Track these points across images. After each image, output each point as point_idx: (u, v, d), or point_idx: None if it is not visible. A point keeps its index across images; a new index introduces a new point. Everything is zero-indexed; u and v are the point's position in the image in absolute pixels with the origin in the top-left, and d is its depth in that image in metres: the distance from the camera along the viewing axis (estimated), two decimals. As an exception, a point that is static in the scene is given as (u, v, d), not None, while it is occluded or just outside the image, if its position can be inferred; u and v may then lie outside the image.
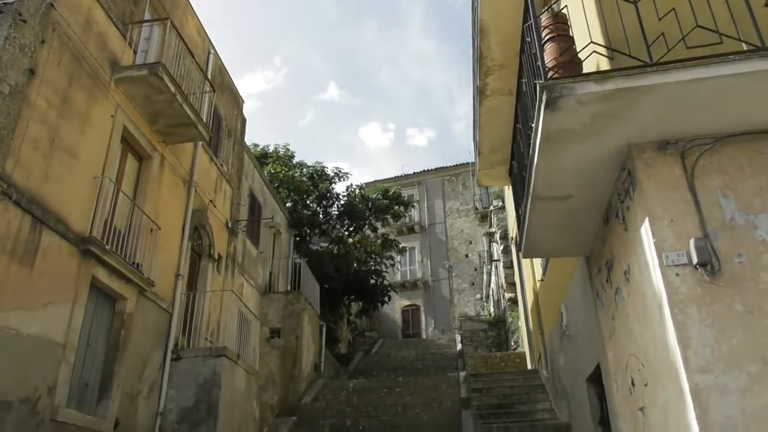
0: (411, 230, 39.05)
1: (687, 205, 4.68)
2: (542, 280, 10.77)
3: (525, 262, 12.95)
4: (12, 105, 7.70)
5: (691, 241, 4.51)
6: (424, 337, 35.60)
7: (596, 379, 7.46)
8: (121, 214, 10.29)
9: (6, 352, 7.21)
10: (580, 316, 7.86)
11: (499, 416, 10.60)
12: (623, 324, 5.80)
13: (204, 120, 12.74)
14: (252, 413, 12.18)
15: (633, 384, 5.62)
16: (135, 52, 10.85)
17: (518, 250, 7.84)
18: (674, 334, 4.34)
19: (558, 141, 4.96)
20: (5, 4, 7.91)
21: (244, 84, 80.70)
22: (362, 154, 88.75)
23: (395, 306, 37.88)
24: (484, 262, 32.38)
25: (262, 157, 22.98)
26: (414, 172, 41.17)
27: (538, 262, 11.33)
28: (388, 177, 40.41)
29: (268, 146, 24.96)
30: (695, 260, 4.44)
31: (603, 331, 6.67)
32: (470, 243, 38.52)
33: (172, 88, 10.53)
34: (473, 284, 37.53)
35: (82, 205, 9.00)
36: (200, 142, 13.05)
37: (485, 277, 30.65)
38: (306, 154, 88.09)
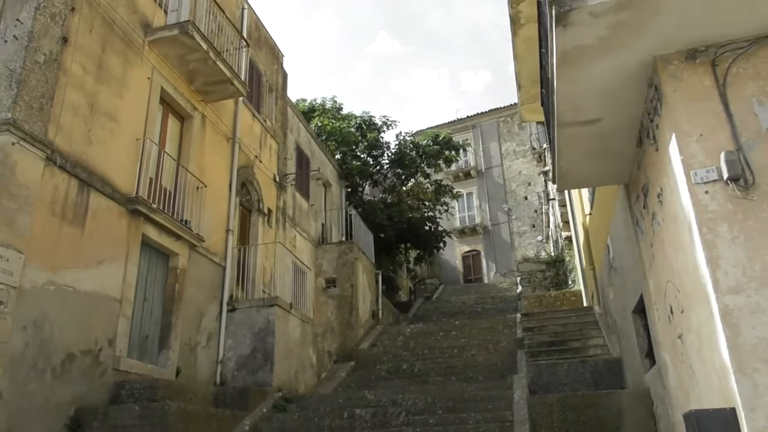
0: (467, 175, 38.59)
1: (717, 118, 4.35)
2: (590, 214, 10.42)
3: (575, 198, 12.56)
4: (48, 73, 7.94)
5: (722, 155, 4.21)
6: (485, 281, 35.56)
7: (642, 311, 7.23)
8: (166, 173, 10.61)
9: (65, 309, 7.67)
10: (624, 248, 7.58)
11: (551, 354, 10.52)
12: (660, 250, 5.54)
13: (241, 76, 12.82)
14: (308, 359, 12.59)
15: (671, 312, 5.40)
16: (166, 13, 10.92)
17: (553, 182, 7.59)
18: (703, 254, 4.10)
19: (576, 60, 4.68)
20: (32, -27, 8.07)
21: (294, 39, 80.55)
22: (416, 103, 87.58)
23: (455, 252, 37.93)
24: (542, 203, 31.73)
25: (310, 112, 23.03)
26: (468, 116, 40.34)
27: (586, 197, 10.96)
28: (441, 123, 39.78)
29: (315, 99, 24.99)
30: (726, 175, 4.15)
31: (644, 261, 6.42)
32: (529, 185, 37.74)
33: (204, 46, 10.59)
34: (534, 226, 36.94)
35: (127, 167, 9.31)
36: (241, 99, 13.17)
37: (544, 218, 30.07)
38: (358, 108, 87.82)
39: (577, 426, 7.04)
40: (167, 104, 10.87)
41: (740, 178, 4.14)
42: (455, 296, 28.16)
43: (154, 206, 9.57)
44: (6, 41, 7.72)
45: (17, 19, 7.81)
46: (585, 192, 10.97)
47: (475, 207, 38.06)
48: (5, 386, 6.63)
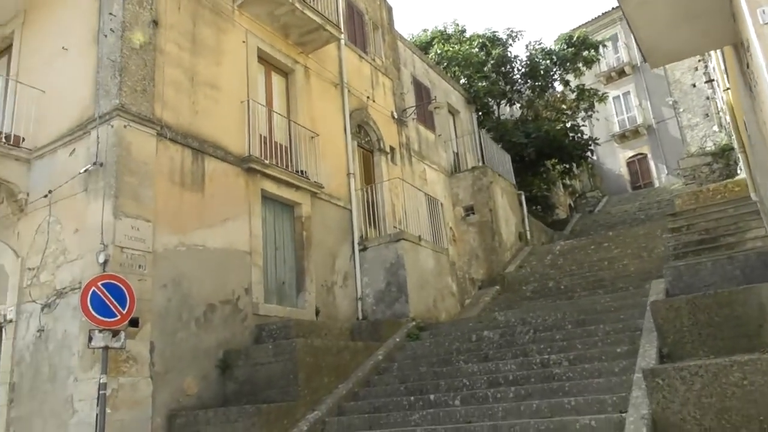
0: (621, 73, 35.23)
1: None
2: (728, 89, 9.00)
3: (717, 72, 10.89)
4: (146, 57, 8.65)
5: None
6: (656, 186, 32.69)
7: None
8: (278, 129, 11.13)
9: (199, 265, 8.53)
10: (751, 120, 6.48)
11: (699, 253, 9.46)
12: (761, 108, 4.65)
13: (337, 19, 12.87)
14: (447, 288, 12.71)
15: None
16: (252, -26, 11.18)
17: (644, 61, 6.64)
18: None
19: None
20: (116, -33, 8.73)
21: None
22: (555, 4, 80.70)
23: (618, 159, 35.33)
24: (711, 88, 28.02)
25: (430, 42, 22.47)
26: (613, 8, 36.47)
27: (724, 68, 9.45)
28: (585, 21, 36.49)
29: (436, 27, 24.31)
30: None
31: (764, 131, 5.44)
32: (696, 70, 33.46)
33: (289, -3, 10.74)
34: (707, 116, 32.81)
35: (236, 129, 9.92)
36: (342, 43, 13.24)
37: (711, 104, 26.62)
38: (487, 25, 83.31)
39: (711, 328, 6.29)
40: (267, 62, 11.29)
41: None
42: (618, 206, 26.37)
43: (267, 162, 10.13)
44: (106, 36, 8.52)
45: (110, 13, 8.56)
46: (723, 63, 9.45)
47: (634, 106, 34.78)
48: (156, 337, 7.62)
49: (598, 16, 36.54)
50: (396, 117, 14.89)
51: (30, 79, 9.25)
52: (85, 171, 7.84)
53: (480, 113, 20.83)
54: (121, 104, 8.01)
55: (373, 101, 14.13)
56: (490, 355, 8.34)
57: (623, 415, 5.35)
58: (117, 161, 7.76)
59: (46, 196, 8.18)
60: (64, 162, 8.40)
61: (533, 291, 13.37)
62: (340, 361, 8.62)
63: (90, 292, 6.45)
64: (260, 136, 10.40)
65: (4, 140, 8.69)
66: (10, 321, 7.93)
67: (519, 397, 6.75)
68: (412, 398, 7.51)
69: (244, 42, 10.62)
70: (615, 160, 35.34)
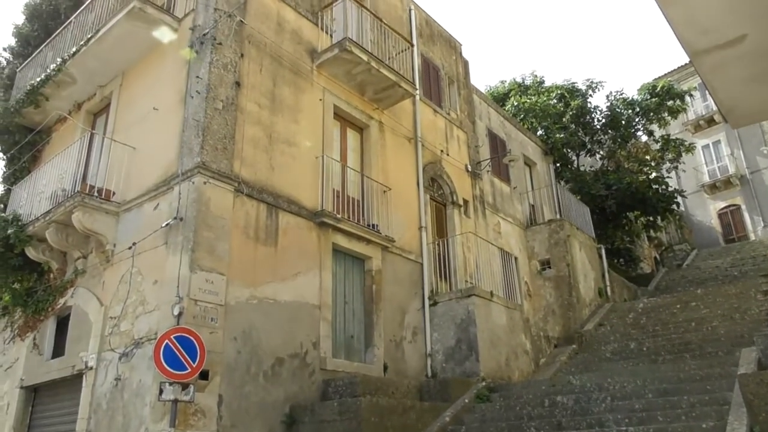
0: (710, 121, 33.68)
1: None
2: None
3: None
4: (228, 116, 9.11)
5: None
6: (751, 239, 30.63)
7: None
8: (351, 183, 11.34)
9: (269, 319, 8.68)
10: None
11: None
12: None
13: (413, 75, 13.13)
14: (520, 346, 12.27)
15: None
16: (330, 35, 11.65)
17: (725, 122, 6.29)
18: None
19: (674, -24, 3.87)
20: (204, 35, 9.35)
21: (491, 23, 78.77)
22: (637, 55, 79.11)
23: (708, 210, 33.52)
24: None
25: (507, 94, 22.45)
26: (700, 56, 35.20)
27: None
28: (668, 71, 35.43)
29: (514, 79, 24.31)
30: None
31: None
32: (794, 118, 31.53)
33: (365, 57, 11.08)
34: (808, 166, 30.80)
35: (310, 184, 10.17)
36: (417, 98, 13.44)
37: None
38: (568, 76, 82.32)
39: (813, 410, 5.73)
40: (342, 118, 11.60)
41: None
42: (709, 260, 24.82)
43: (339, 216, 10.29)
44: (192, 97, 9.05)
45: (197, 76, 9.11)
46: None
47: (725, 156, 33.05)
48: (225, 390, 7.75)
49: (684, 65, 35.34)
50: (470, 170, 14.83)
51: (123, 137, 9.93)
52: (167, 225, 8.24)
53: (557, 164, 20.42)
54: (203, 162, 8.42)
55: (447, 154, 14.16)
56: (563, 423, 7.89)
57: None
58: (196, 216, 8.11)
59: (130, 248, 8.63)
60: (148, 215, 8.87)
61: (613, 352, 12.66)
62: (406, 422, 8.42)
63: (163, 345, 6.67)
64: (333, 190, 10.62)
65: (96, 194, 9.30)
66: (91, 368, 8.31)
67: (593, 474, 6.32)
68: (478, 467, 7.19)
69: (321, 100, 10.99)
70: (705, 211, 33.53)
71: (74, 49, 10.79)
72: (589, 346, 13.62)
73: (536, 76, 24.13)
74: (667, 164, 22.08)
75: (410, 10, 14.69)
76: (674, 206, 21.38)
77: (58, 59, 11.18)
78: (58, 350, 9.61)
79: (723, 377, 7.64)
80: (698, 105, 33.44)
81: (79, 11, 11.63)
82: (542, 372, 12.50)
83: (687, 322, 13.19)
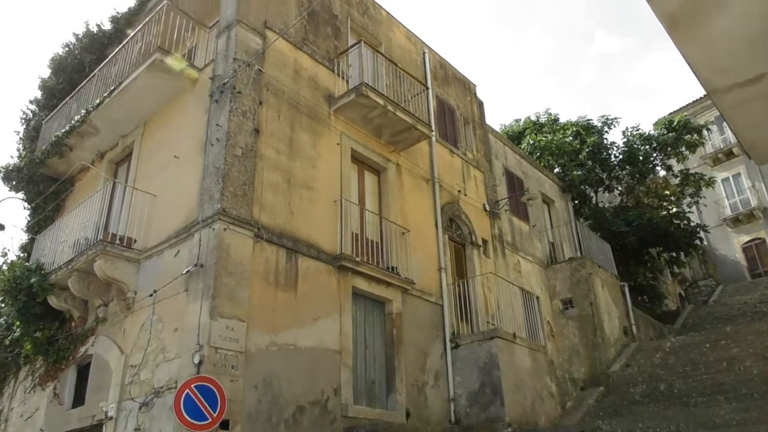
0: (729, 154, 33.39)
1: None
2: None
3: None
4: (247, 163, 9.20)
5: None
6: (779, 273, 29.97)
7: None
8: (370, 225, 11.33)
9: (290, 365, 8.57)
10: None
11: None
12: None
13: (428, 117, 13.24)
14: (546, 389, 11.96)
15: None
16: (346, 80, 11.84)
17: (749, 158, 6.21)
18: None
19: (690, 18, 3.87)
20: (223, 84, 9.54)
21: (511, 64, 79.79)
22: (655, 91, 79.37)
23: (732, 244, 32.93)
24: (835, 169, 25.87)
25: (523, 132, 22.53)
26: (715, 90, 35.15)
27: None
28: (685, 104, 35.39)
29: (529, 117, 24.41)
30: None
31: None
32: (815, 149, 31.14)
33: (381, 101, 11.22)
34: (832, 197, 30.28)
35: (329, 228, 10.18)
36: (433, 139, 13.51)
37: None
38: (585, 114, 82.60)
39: None
40: (360, 162, 11.68)
41: None
42: (736, 296, 24.25)
43: (358, 259, 10.25)
44: (212, 144, 9.18)
45: (217, 124, 9.26)
46: None
47: (747, 188, 32.64)
48: (245, 439, 7.61)
49: (699, 98, 35.34)
50: (488, 209, 14.78)
51: (145, 185, 10.07)
52: (187, 272, 8.25)
53: (576, 201, 20.29)
54: (223, 208, 8.48)
55: (465, 194, 14.15)
56: (594, 472, 7.62)
57: None
58: (216, 262, 8.12)
59: (151, 295, 8.64)
60: (169, 262, 8.90)
61: (642, 394, 12.29)
62: (431, 471, 8.18)
63: (183, 395, 6.60)
64: (352, 233, 10.61)
65: (118, 242, 9.38)
66: (111, 418, 8.23)
67: None
68: None
69: (338, 144, 11.09)
70: (729, 245, 32.95)
71: (98, 101, 11.07)
72: (616, 388, 13.24)
73: (550, 113, 24.23)
74: (688, 199, 21.82)
75: (424, 53, 14.92)
76: (697, 241, 21.05)
77: (82, 111, 11.46)
78: (79, 400, 9.56)
79: (761, 422, 7.35)
80: (716, 138, 33.25)
81: (102, 64, 11.97)
82: (569, 416, 12.14)
83: (718, 361, 12.80)
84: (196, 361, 7.40)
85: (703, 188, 22.92)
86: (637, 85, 79.30)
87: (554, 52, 78.76)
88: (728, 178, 33.30)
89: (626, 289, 17.44)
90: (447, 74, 15.73)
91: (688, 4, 3.76)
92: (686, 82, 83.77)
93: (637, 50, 78.61)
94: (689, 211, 21.67)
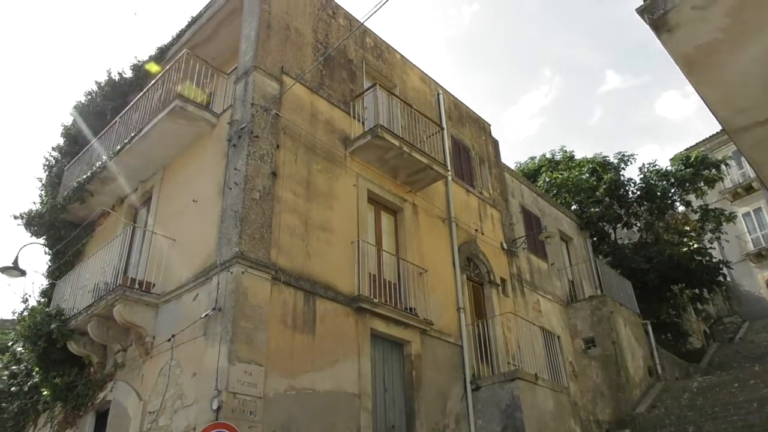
0: (749, 189, 33.01)
1: None
2: None
3: None
4: (264, 206, 9.27)
5: None
6: (807, 308, 29.23)
7: None
8: (386, 266, 11.28)
9: (308, 409, 8.45)
10: None
11: None
12: None
13: (444, 157, 13.31)
14: (570, 431, 11.65)
15: None
16: (362, 122, 11.97)
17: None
18: None
19: (706, 60, 3.89)
20: (241, 128, 9.69)
21: (523, 107, 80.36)
22: (668, 130, 79.29)
23: (756, 280, 32.23)
24: None
25: (538, 170, 22.54)
26: (732, 124, 35.01)
27: None
28: (701, 140, 35.24)
29: (544, 155, 24.46)
30: None
31: None
32: (836, 182, 30.72)
33: (396, 143, 11.31)
34: None
35: (346, 269, 10.15)
36: (449, 179, 13.55)
37: None
38: (599, 151, 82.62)
39: None
40: (376, 202, 11.71)
41: None
42: (764, 334, 23.65)
43: (376, 300, 10.18)
44: (230, 188, 9.27)
45: (235, 168, 9.37)
46: None
47: (768, 223, 32.17)
48: (263, 488, 7.46)
49: (716, 133, 35.20)
50: (506, 248, 14.69)
51: (163, 229, 10.17)
52: (205, 316, 8.24)
53: (594, 238, 20.11)
54: (241, 251, 8.50)
55: (482, 233, 14.09)
56: None
57: None
58: (234, 306, 8.10)
59: (169, 340, 8.63)
60: (187, 306, 8.91)
61: (670, 438, 11.92)
62: None
63: (202, 443, 6.50)
64: (369, 274, 10.56)
65: (137, 287, 9.43)
66: (129, 466, 8.13)
67: None
68: None
69: (354, 185, 11.16)
70: (753, 281, 32.27)
71: (119, 147, 11.29)
72: (643, 431, 12.85)
73: (566, 151, 24.26)
74: (709, 234, 21.53)
75: (438, 94, 15.09)
76: (720, 277, 20.67)
77: (104, 157, 11.69)
78: (96, 447, 9.48)
79: (796, 466, 7.06)
80: (734, 173, 32.96)
81: (124, 111, 12.26)
82: (595, 460, 11.78)
83: (748, 402, 12.41)
84: (215, 407, 7.32)
85: (724, 223, 22.63)
86: (644, 124, 79.33)
87: (566, 91, 79.33)
88: (749, 212, 32.86)
89: (649, 328, 17.11)
90: (461, 114, 15.87)
91: (703, 46, 3.79)
92: (700, 118, 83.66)
93: (650, 89, 78.90)
94: (711, 247, 21.35)
